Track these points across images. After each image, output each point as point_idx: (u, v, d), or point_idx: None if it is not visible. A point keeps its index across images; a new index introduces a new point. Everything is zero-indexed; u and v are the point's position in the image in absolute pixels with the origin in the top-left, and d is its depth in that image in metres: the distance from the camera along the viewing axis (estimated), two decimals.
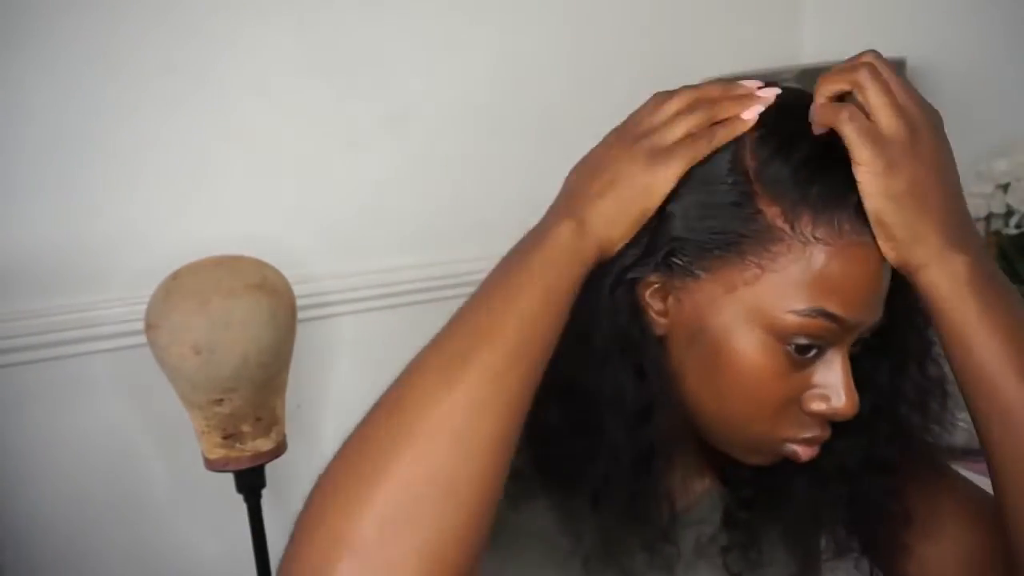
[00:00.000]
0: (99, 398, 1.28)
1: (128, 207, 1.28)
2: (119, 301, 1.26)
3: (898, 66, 1.50)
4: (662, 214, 0.54)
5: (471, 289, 0.52)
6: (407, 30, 1.45)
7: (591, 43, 1.62)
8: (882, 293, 0.54)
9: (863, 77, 0.51)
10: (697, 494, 0.65)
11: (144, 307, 1.11)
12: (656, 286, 0.55)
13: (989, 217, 1.41)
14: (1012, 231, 1.39)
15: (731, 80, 0.57)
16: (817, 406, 0.54)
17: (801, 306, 0.52)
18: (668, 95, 0.56)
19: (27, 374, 1.23)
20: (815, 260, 0.51)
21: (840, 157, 0.51)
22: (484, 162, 1.53)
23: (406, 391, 0.47)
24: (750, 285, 0.53)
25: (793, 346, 0.53)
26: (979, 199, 1.40)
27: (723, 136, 0.53)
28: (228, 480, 1.17)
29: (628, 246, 0.54)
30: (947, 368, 0.55)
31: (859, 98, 0.51)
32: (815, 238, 0.51)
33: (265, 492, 1.19)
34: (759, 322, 0.52)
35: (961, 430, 0.60)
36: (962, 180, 0.54)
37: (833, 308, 0.51)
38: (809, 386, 0.54)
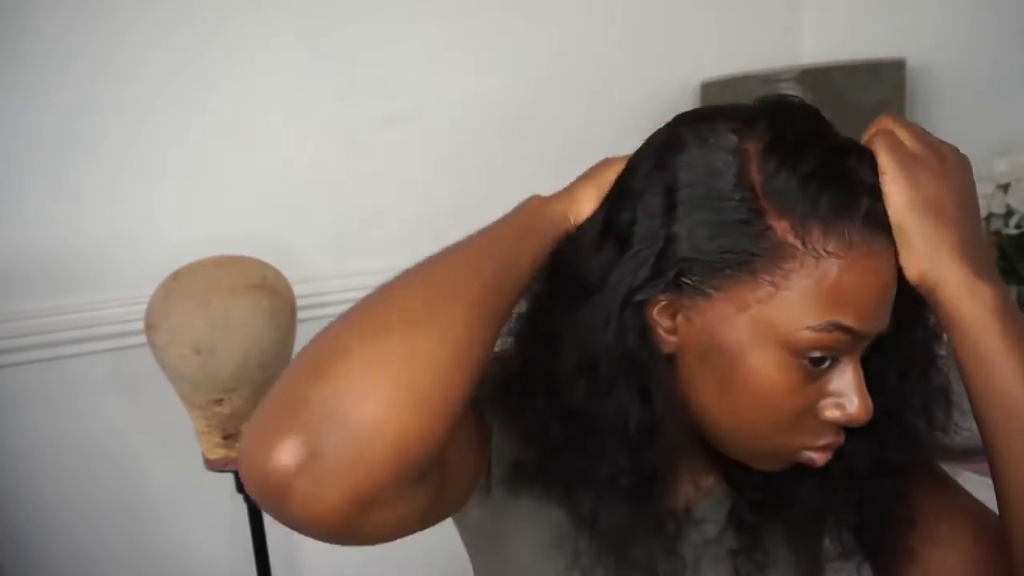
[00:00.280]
0: (99, 398, 1.28)
1: (128, 207, 1.28)
2: (119, 301, 1.26)
3: (898, 66, 1.50)
4: (666, 234, 0.54)
5: None
6: (407, 30, 1.45)
7: (591, 43, 1.61)
8: (892, 301, 0.54)
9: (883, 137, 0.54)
10: (702, 492, 0.65)
11: (144, 307, 1.11)
12: (664, 303, 0.55)
13: (989, 217, 1.41)
14: (1012, 231, 1.39)
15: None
16: (832, 414, 0.55)
17: (816, 321, 0.52)
18: None
19: (27, 374, 1.23)
20: (828, 274, 0.51)
21: (846, 166, 0.52)
22: (484, 162, 1.53)
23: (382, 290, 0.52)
24: (763, 303, 0.52)
25: (808, 359, 0.53)
26: (979, 199, 1.39)
27: None
28: (228, 480, 1.17)
29: (634, 267, 0.54)
30: (952, 377, 0.56)
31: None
32: (827, 252, 0.51)
33: None
34: (774, 339, 0.52)
35: (963, 435, 0.60)
36: None
37: (847, 321, 0.52)
38: (824, 395, 0.55)
